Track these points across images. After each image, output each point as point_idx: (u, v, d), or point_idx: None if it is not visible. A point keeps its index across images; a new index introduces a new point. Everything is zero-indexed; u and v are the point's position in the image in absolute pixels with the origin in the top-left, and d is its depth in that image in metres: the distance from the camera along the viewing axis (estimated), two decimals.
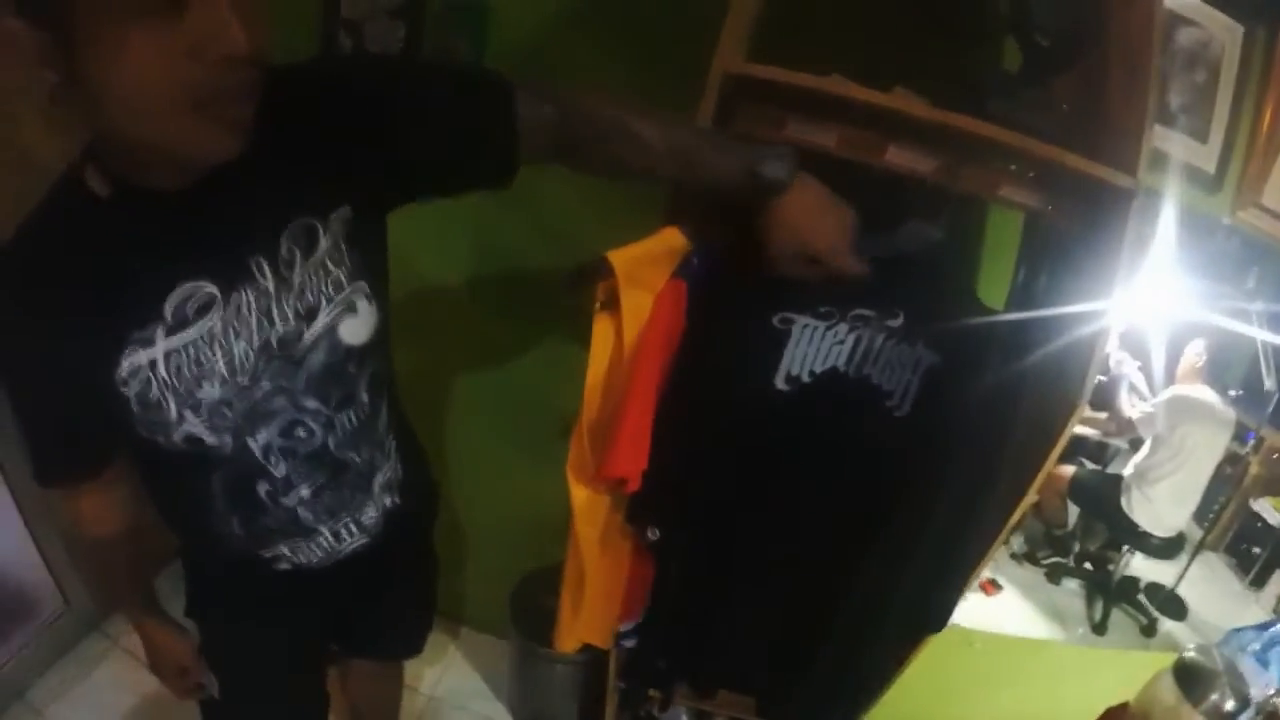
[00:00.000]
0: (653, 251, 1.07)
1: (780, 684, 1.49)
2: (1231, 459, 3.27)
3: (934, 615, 1.27)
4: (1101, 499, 2.63)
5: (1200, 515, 3.33)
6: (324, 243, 0.87)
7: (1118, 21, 1.10)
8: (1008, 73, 1.15)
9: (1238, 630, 1.27)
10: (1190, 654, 1.11)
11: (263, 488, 0.96)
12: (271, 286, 0.85)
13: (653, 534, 1.28)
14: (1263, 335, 2.46)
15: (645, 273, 1.07)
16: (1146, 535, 2.63)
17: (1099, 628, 2.51)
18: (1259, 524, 3.14)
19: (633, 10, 1.57)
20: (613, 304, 1.08)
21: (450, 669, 2.31)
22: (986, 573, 2.26)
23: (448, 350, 1.92)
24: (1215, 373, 2.62)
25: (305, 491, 0.99)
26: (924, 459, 1.14)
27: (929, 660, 1.37)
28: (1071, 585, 2.63)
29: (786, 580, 1.35)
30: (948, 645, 1.90)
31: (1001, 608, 2.40)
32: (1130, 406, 2.64)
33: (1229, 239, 1.89)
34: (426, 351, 1.80)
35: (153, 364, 0.82)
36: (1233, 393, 2.84)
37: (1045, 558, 2.65)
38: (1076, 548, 2.72)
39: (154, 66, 0.63)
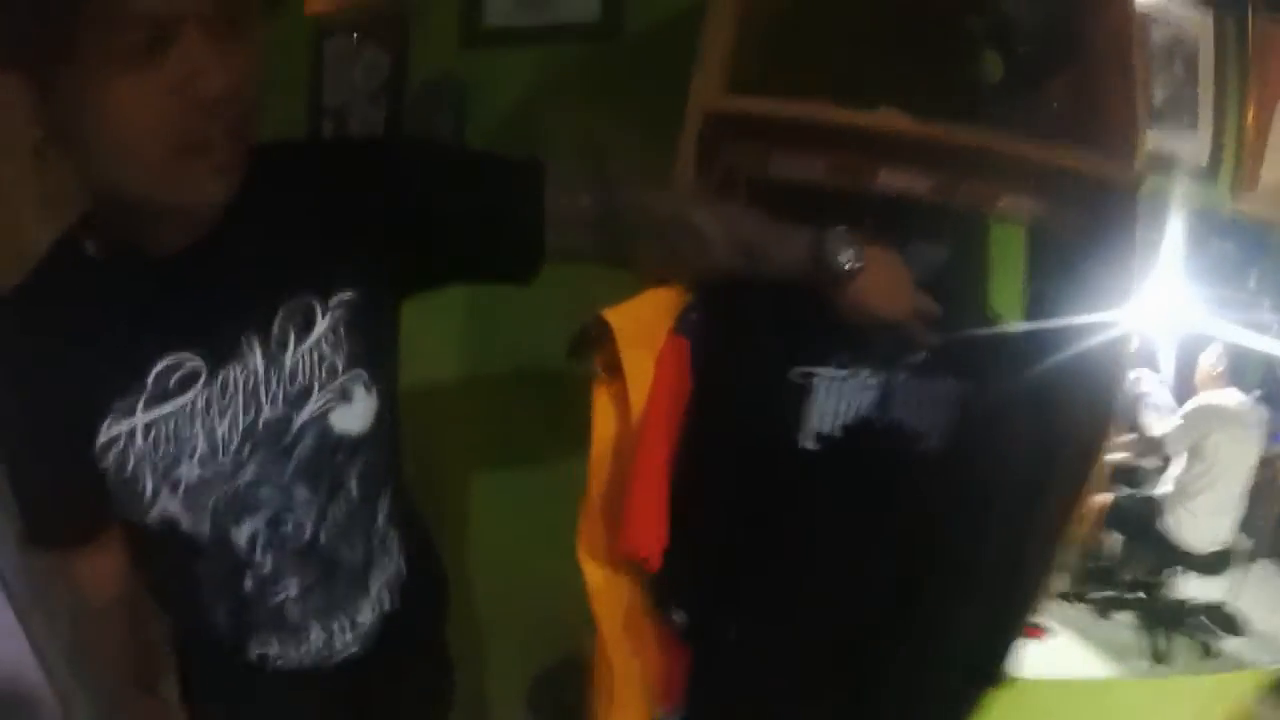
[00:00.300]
0: (652, 305, 1.01)
1: None
2: (1263, 463, 3.21)
3: (997, 666, 1.16)
4: (1142, 523, 2.54)
5: (1243, 524, 3.25)
6: (321, 325, 0.83)
7: (1097, 20, 1.06)
8: (993, 83, 1.11)
9: None
10: None
11: (249, 581, 0.89)
12: (261, 366, 0.81)
13: (678, 618, 1.17)
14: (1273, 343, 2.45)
15: (645, 330, 1.01)
16: (1193, 553, 2.53)
17: (1160, 657, 2.40)
18: None
19: (610, 71, 1.58)
20: (614, 366, 1.01)
21: None
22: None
23: (457, 432, 1.83)
24: (1235, 376, 2.54)
25: (293, 588, 0.91)
26: (965, 497, 1.05)
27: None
28: (1123, 617, 2.51)
29: (835, 652, 1.20)
30: (1007, 703, 1.81)
31: (1053, 652, 2.27)
32: (1155, 424, 2.57)
33: (1224, 239, 1.87)
34: (435, 435, 1.68)
35: (131, 434, 0.78)
36: (1255, 393, 2.80)
37: (1090, 593, 2.53)
38: (1121, 578, 2.59)
39: (137, 110, 0.62)
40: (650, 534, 1.06)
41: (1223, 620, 2.69)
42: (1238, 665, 2.49)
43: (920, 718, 1.22)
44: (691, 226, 0.90)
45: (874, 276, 0.93)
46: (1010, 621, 1.16)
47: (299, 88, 1.82)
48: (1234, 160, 1.67)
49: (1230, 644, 2.61)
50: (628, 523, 1.05)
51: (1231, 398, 2.51)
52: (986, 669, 1.17)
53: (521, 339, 1.72)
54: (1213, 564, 2.56)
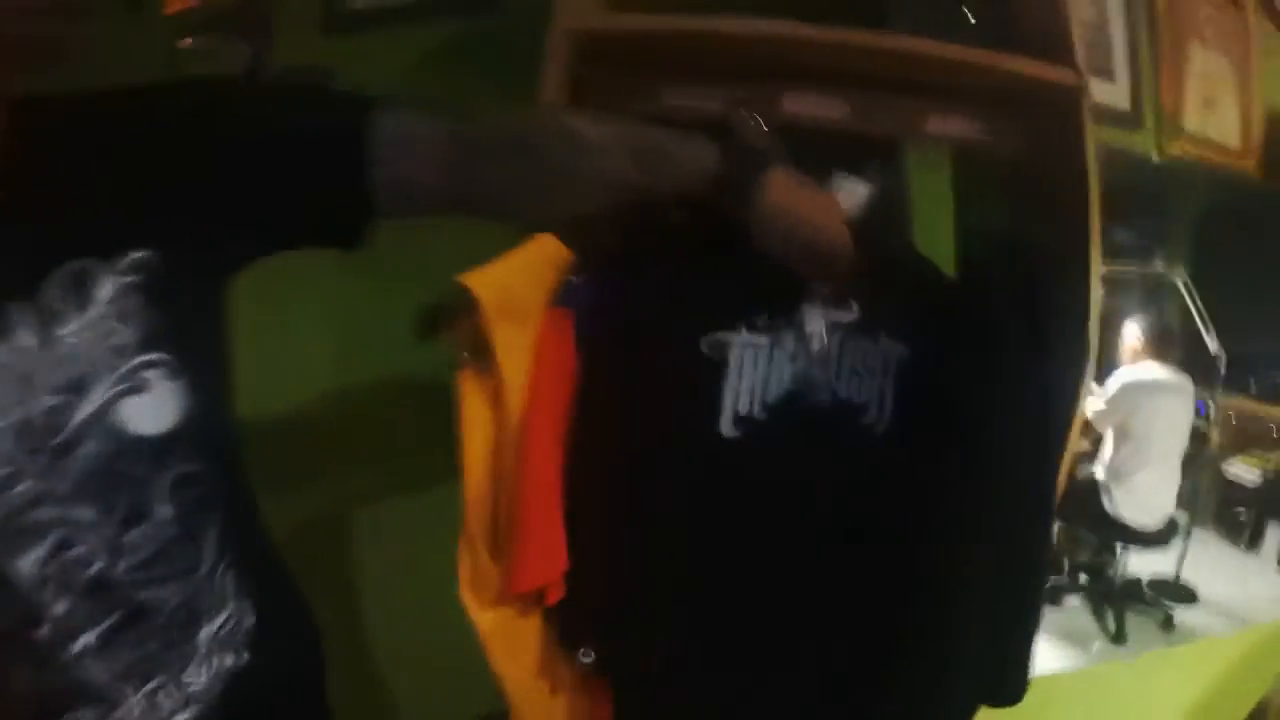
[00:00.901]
0: (524, 267, 0.82)
1: None
2: (1193, 435, 3.29)
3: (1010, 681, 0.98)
4: (1080, 506, 2.50)
5: (1180, 499, 3.33)
6: (104, 293, 0.67)
7: None
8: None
9: None
10: None
11: (44, 629, 0.70)
12: (34, 345, 0.65)
13: (585, 656, 0.95)
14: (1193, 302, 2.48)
15: (517, 300, 0.81)
16: (1140, 530, 2.53)
17: (1117, 637, 2.37)
18: (1237, 487, 3.18)
19: (481, 48, 1.46)
20: (481, 348, 0.81)
21: None
22: None
23: (344, 462, 1.62)
24: (1165, 349, 2.57)
25: (92, 638, 0.71)
26: (925, 479, 0.88)
27: None
28: (1074, 602, 2.49)
29: (801, 685, 0.98)
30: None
31: None
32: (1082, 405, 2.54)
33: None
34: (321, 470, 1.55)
35: None
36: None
37: None
38: (1067, 563, 2.55)
39: None
40: (547, 559, 0.87)
41: (1175, 592, 2.72)
42: (1194, 636, 2.52)
43: None
44: (569, 135, 0.74)
45: (793, 195, 0.77)
46: (1013, 623, 0.97)
47: None
48: (1155, 102, 1.62)
49: (1184, 614, 2.63)
50: (519, 549, 0.86)
51: (1156, 370, 2.51)
52: (991, 684, 0.98)
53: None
54: (1158, 537, 2.56)
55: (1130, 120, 1.58)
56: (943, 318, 0.86)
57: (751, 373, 0.88)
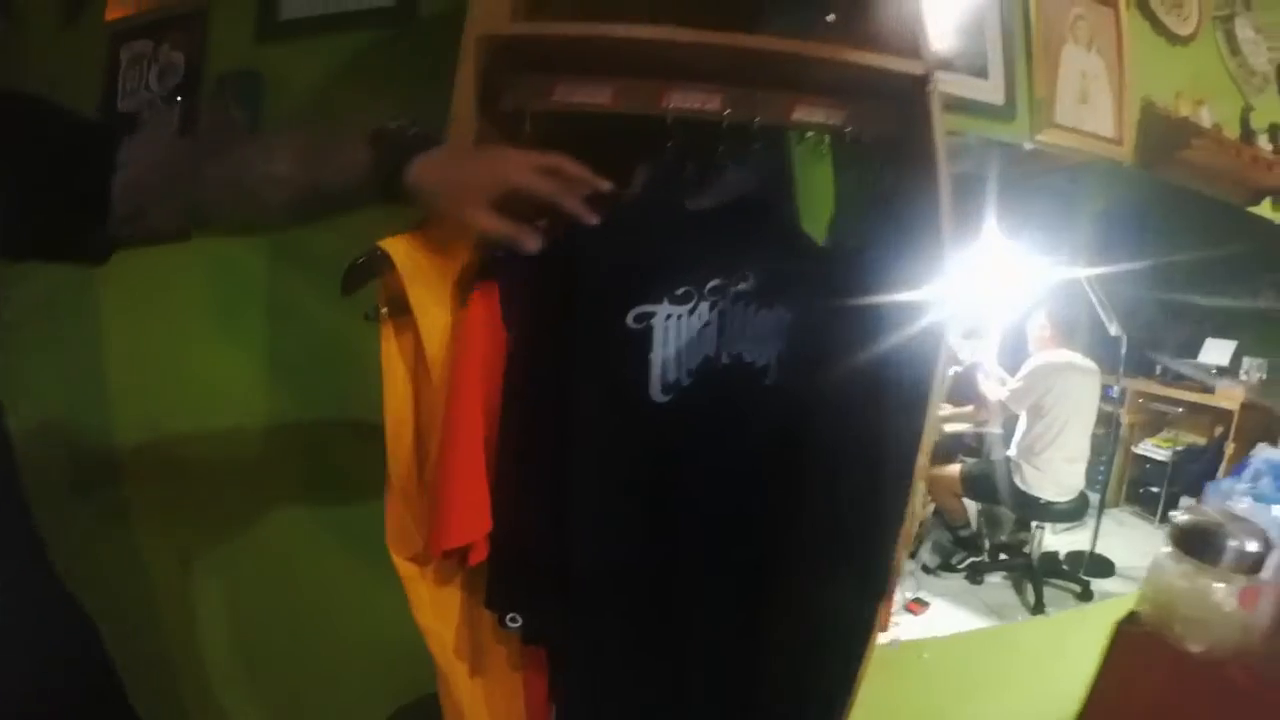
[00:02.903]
0: (439, 236, 0.91)
1: None
2: (1104, 419, 3.46)
3: (873, 581, 1.06)
4: (997, 485, 2.64)
5: (1092, 479, 3.48)
6: None
7: None
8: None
9: (1215, 483, 1.18)
10: (1182, 519, 1.00)
11: None
12: None
13: (513, 621, 0.99)
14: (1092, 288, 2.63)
15: (433, 263, 0.90)
16: (1050, 504, 2.65)
17: (1037, 609, 2.44)
18: (1148, 465, 3.42)
19: (404, 56, 1.56)
20: (401, 311, 0.90)
21: None
22: (909, 593, 2.23)
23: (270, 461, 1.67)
24: (1070, 336, 2.75)
25: None
26: (808, 429, 0.98)
27: (886, 687, 1.19)
28: (995, 579, 2.59)
29: (716, 627, 1.05)
30: (899, 665, 1.78)
31: (934, 623, 2.30)
32: (995, 390, 2.69)
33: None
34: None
35: None
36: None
37: (960, 562, 2.59)
38: (987, 542, 2.70)
39: None
40: (470, 521, 0.93)
41: (1091, 566, 2.82)
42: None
43: (812, 673, 1.09)
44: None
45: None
46: (875, 571, 1.06)
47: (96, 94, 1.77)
48: (1029, 95, 1.80)
49: (1102, 586, 2.68)
50: (442, 509, 0.92)
51: (1064, 354, 2.68)
52: (869, 584, 1.07)
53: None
54: (1070, 512, 2.70)
55: (1003, 113, 1.75)
56: (821, 285, 0.97)
57: (675, 341, 0.96)
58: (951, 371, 2.79)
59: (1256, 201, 2.44)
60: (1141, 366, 3.43)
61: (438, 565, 0.99)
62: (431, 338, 0.90)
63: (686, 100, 0.95)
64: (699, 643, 1.04)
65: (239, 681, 1.73)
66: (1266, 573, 0.97)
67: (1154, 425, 3.46)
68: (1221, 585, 0.97)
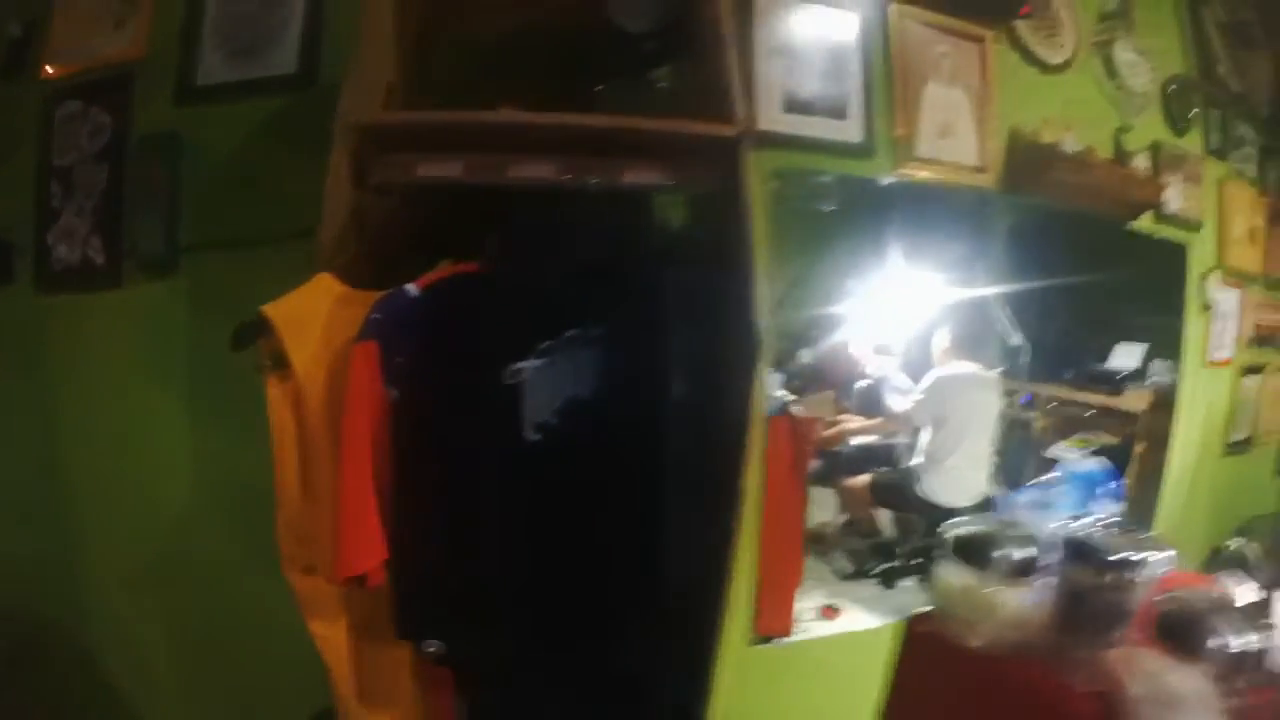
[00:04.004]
0: (313, 296, 1.10)
1: None
2: (1020, 424, 3.67)
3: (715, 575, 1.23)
4: (903, 494, 2.81)
5: (1012, 481, 3.68)
6: None
7: (697, 17, 1.28)
8: (613, 75, 1.31)
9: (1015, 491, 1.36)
10: (958, 530, 1.17)
11: None
12: None
13: (430, 647, 1.15)
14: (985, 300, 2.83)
15: (308, 322, 1.08)
16: (954, 511, 2.72)
17: None
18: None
19: (308, 118, 1.61)
20: (281, 360, 1.07)
21: None
22: (822, 599, 2.40)
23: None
24: (970, 349, 2.91)
25: None
26: (649, 453, 1.17)
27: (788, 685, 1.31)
28: (908, 584, 2.72)
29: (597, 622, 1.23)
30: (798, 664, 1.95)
31: (847, 628, 2.46)
32: (899, 402, 2.88)
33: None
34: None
35: None
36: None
37: (873, 569, 2.76)
38: (899, 549, 2.84)
39: None
40: (365, 551, 1.07)
41: None
42: None
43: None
44: None
45: None
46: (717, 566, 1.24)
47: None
48: (889, 134, 2.02)
49: None
50: (339, 543, 1.07)
51: (964, 368, 2.86)
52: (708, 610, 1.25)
53: None
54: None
55: (862, 151, 1.98)
56: (653, 328, 1.16)
57: (542, 389, 1.14)
58: (859, 385, 3.01)
59: (1137, 216, 2.74)
60: (1053, 372, 3.67)
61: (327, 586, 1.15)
62: (307, 389, 1.08)
63: (524, 170, 1.14)
64: (587, 647, 1.22)
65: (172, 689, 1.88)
66: (1036, 577, 1.14)
67: (1067, 428, 3.68)
68: (993, 589, 1.13)
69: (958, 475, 2.82)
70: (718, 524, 1.20)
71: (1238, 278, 3.33)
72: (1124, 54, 2.74)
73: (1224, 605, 1.10)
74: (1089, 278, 3.34)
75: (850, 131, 1.95)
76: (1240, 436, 3.61)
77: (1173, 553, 1.11)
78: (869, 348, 2.98)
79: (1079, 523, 1.18)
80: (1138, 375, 3.27)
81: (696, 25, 1.27)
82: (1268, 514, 3.66)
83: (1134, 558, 1.06)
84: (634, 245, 1.27)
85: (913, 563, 2.78)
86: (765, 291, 1.20)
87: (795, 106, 1.90)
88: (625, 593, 1.19)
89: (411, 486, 1.11)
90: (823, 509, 2.88)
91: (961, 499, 2.81)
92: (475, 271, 1.16)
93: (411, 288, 1.11)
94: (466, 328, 1.12)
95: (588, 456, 1.16)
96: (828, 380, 3.05)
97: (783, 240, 1.87)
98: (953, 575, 1.16)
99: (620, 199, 1.23)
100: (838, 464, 2.92)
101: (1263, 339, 3.56)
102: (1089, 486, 1.34)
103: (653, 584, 1.19)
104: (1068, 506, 1.31)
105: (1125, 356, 3.33)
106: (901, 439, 2.88)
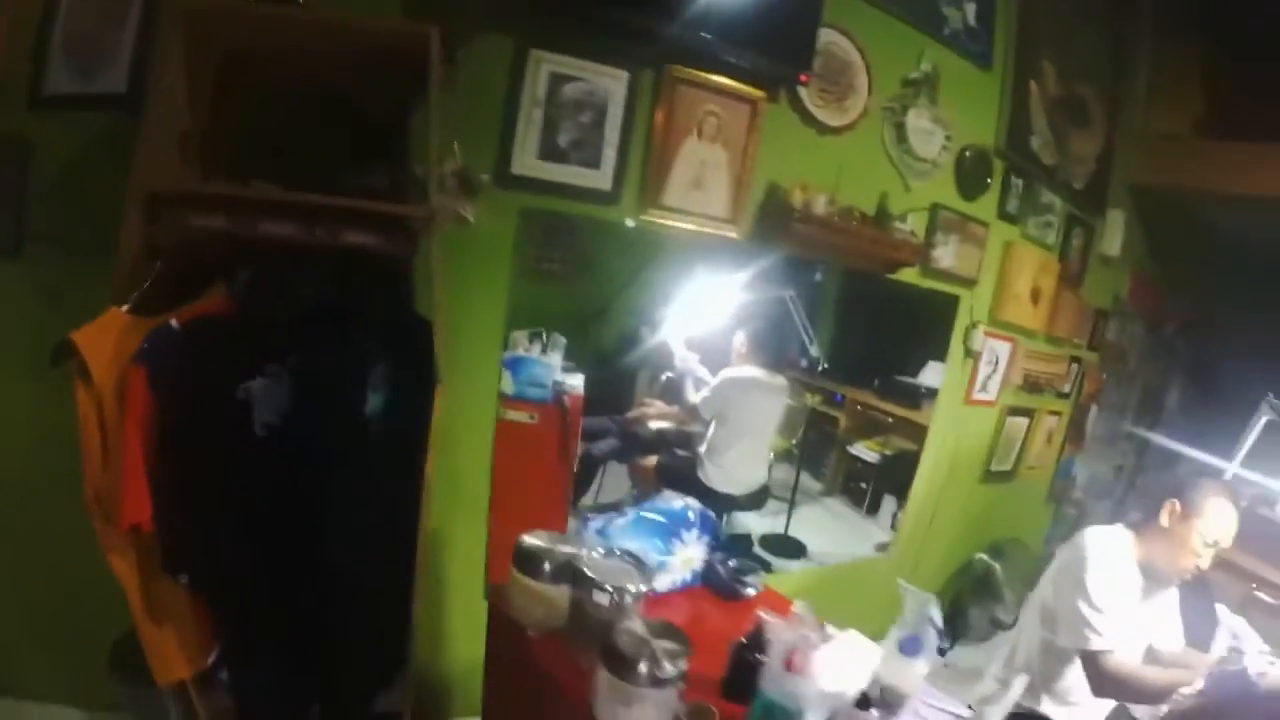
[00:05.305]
0: (108, 326, 1.54)
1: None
2: (827, 419, 4.22)
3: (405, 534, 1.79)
4: (683, 477, 3.26)
5: (815, 471, 4.23)
6: None
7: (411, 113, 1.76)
8: (345, 161, 1.78)
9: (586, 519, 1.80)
10: (523, 543, 1.54)
11: None
12: None
13: (182, 579, 1.67)
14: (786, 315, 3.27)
15: (105, 343, 1.53)
16: (729, 496, 3.32)
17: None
18: (859, 464, 4.24)
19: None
20: (88, 376, 1.50)
21: None
22: None
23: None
24: (769, 354, 3.37)
25: None
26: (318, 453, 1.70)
27: None
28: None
29: (305, 585, 1.76)
30: None
31: None
32: (693, 395, 3.36)
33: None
34: None
35: None
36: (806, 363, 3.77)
37: None
38: None
39: None
40: (137, 508, 1.57)
41: (782, 546, 3.62)
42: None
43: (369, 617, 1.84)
44: None
45: None
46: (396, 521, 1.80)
47: None
48: (639, 184, 2.43)
49: (792, 565, 3.50)
50: (121, 502, 1.55)
51: (751, 371, 3.32)
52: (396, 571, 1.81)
53: None
54: (750, 501, 3.40)
55: (610, 198, 2.40)
56: (356, 353, 1.69)
57: (267, 399, 1.66)
58: (664, 375, 3.53)
59: (894, 270, 3.13)
60: (862, 379, 4.21)
61: (124, 540, 1.62)
62: (103, 393, 1.53)
63: (271, 228, 1.59)
64: (291, 575, 1.74)
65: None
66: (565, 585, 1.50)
67: (867, 430, 4.24)
68: (536, 586, 1.50)
69: (732, 468, 3.29)
70: (401, 502, 1.70)
71: (1011, 331, 3.80)
72: (918, 121, 3.09)
73: (666, 634, 1.30)
74: (879, 317, 3.99)
75: (600, 180, 2.37)
76: (1002, 468, 4.15)
77: (645, 589, 1.44)
78: (680, 342, 3.46)
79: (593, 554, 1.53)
80: (934, 394, 3.70)
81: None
82: (1019, 538, 4.27)
83: (609, 586, 1.40)
84: (345, 291, 1.74)
85: None
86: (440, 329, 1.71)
87: (551, 155, 2.30)
88: (329, 546, 1.71)
89: (169, 466, 1.59)
90: (620, 483, 3.39)
91: (734, 489, 3.33)
92: (221, 309, 1.65)
93: (174, 322, 1.57)
94: (209, 354, 1.60)
95: (301, 449, 1.68)
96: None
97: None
98: (514, 576, 1.54)
99: (339, 256, 1.69)
100: (636, 444, 3.40)
101: (1032, 386, 4.09)
102: (674, 524, 1.73)
103: (346, 540, 1.71)
104: (638, 539, 1.71)
105: (933, 375, 3.74)
106: (695, 428, 3.35)
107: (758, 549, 3.56)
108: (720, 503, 3.27)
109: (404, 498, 1.75)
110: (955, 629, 4.06)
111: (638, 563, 1.54)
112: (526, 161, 2.29)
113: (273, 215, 1.59)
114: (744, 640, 1.41)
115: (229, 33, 1.67)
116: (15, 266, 2.15)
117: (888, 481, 4.06)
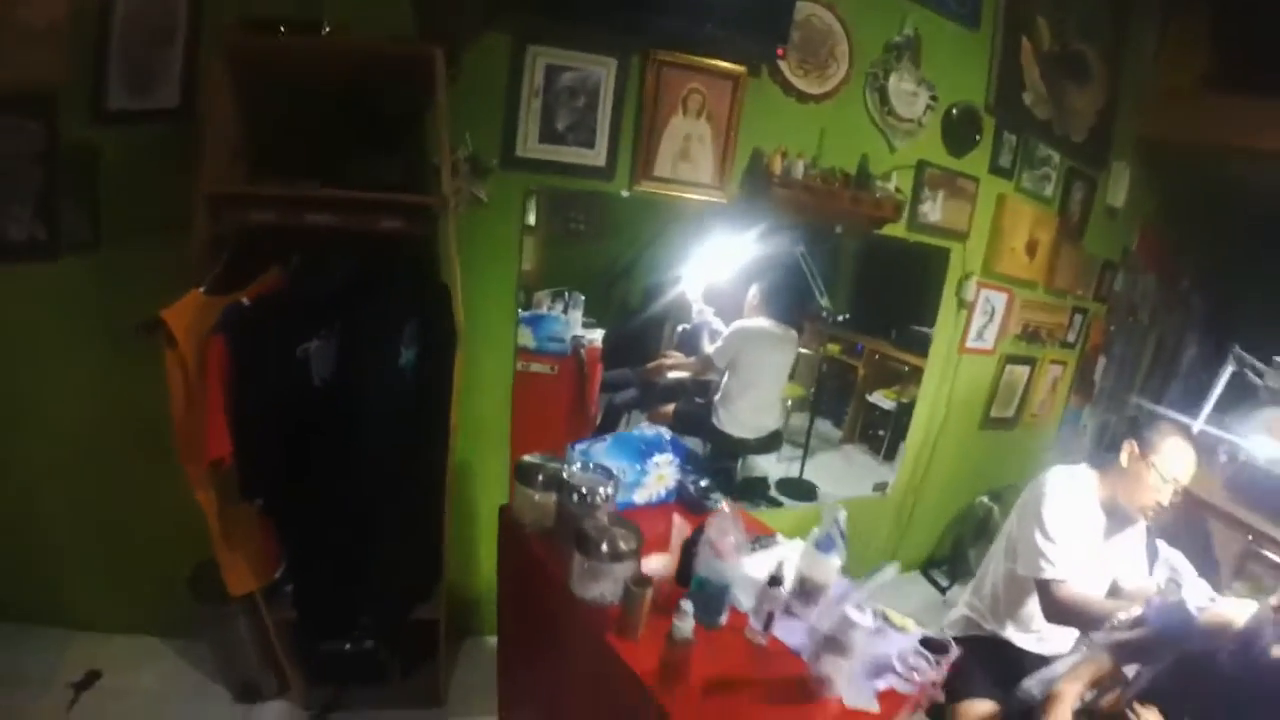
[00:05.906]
0: (188, 305, 1.94)
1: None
2: (847, 368, 4.45)
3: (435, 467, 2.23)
4: (699, 423, 3.56)
5: (836, 419, 4.47)
6: None
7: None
8: (369, 156, 2.17)
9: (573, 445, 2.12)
10: (523, 460, 1.93)
11: None
12: None
13: (258, 504, 2.13)
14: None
15: (189, 319, 1.92)
16: (742, 440, 3.61)
17: None
18: (877, 412, 4.45)
19: (187, 145, 2.28)
20: (174, 343, 1.90)
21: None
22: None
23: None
24: (779, 307, 3.57)
25: None
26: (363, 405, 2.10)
27: None
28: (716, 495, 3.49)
29: (350, 507, 2.17)
30: None
31: None
32: (708, 345, 3.60)
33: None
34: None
35: None
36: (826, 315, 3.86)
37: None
38: (709, 467, 3.58)
39: None
40: (218, 446, 1.98)
41: (796, 489, 3.89)
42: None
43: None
44: None
45: None
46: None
47: None
48: (630, 160, 2.75)
49: (805, 507, 3.76)
50: (210, 439, 1.96)
51: (762, 323, 3.55)
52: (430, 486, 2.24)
53: None
54: (762, 446, 3.69)
55: (605, 173, 2.74)
56: (370, 328, 2.07)
57: (322, 357, 2.06)
58: (682, 327, 3.73)
59: (878, 227, 3.34)
60: (880, 330, 4.38)
61: (206, 475, 2.05)
62: (186, 357, 1.93)
63: (315, 219, 1.99)
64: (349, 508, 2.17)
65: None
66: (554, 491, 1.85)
67: (885, 379, 4.43)
68: (531, 494, 1.87)
69: (743, 414, 3.57)
70: (431, 439, 2.11)
71: (1007, 283, 3.98)
72: (900, 84, 3.26)
73: (622, 524, 1.68)
74: (894, 270, 4.07)
75: (595, 158, 2.71)
76: (1004, 415, 4.37)
77: (611, 492, 1.80)
78: (698, 295, 3.67)
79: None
80: None
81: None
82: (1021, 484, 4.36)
83: (584, 490, 1.78)
84: (378, 266, 2.14)
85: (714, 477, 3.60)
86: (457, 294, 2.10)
87: (551, 138, 2.66)
88: (373, 476, 2.13)
89: (245, 413, 1.99)
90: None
91: (746, 433, 3.61)
92: (278, 286, 2.05)
93: (244, 300, 1.97)
94: (274, 323, 1.99)
95: (351, 396, 2.07)
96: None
97: None
98: (517, 488, 1.93)
99: (372, 238, 2.09)
100: (655, 393, 3.69)
101: (1032, 336, 4.28)
102: (648, 447, 2.09)
103: (386, 471, 2.13)
104: (615, 458, 2.08)
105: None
106: (711, 376, 3.59)
107: (773, 491, 3.85)
108: (733, 446, 3.57)
109: (434, 435, 2.17)
110: (955, 569, 4.32)
111: (607, 473, 1.91)
112: (530, 145, 2.66)
113: (315, 208, 1.99)
114: (689, 537, 1.78)
115: (266, 60, 2.07)
116: (95, 256, 2.51)
117: (904, 429, 4.19)
